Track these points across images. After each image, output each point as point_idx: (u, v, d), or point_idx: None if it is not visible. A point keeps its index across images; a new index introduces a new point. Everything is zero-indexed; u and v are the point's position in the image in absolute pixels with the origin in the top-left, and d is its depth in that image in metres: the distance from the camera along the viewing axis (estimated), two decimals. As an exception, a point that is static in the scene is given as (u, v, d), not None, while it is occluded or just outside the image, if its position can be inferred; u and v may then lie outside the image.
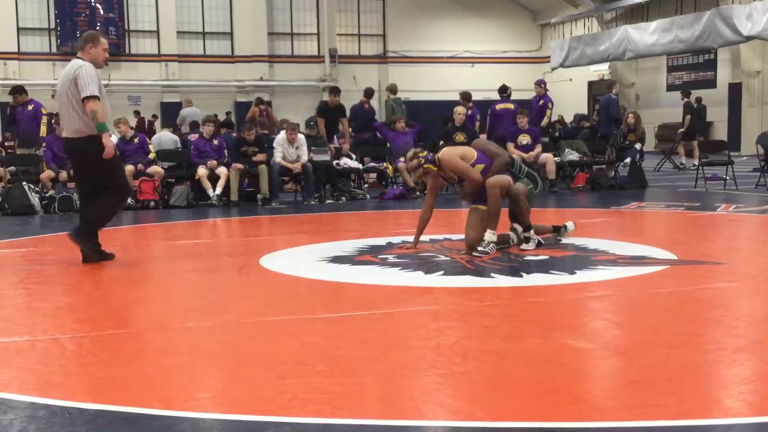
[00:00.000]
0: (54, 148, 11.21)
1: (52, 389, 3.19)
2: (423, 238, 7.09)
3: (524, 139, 12.30)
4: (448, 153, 6.62)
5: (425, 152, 6.71)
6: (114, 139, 11.99)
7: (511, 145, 12.22)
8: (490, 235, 6.33)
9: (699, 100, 19.58)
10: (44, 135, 11.79)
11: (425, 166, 6.59)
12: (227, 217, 10.28)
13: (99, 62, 6.31)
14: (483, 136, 11.67)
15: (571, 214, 9.74)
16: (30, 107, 12.21)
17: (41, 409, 2.95)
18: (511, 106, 13.24)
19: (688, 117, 17.19)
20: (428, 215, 6.75)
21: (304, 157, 11.49)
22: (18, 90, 12.41)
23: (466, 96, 13.67)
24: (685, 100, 17.67)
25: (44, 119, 12.26)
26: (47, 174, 11.06)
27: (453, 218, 9.79)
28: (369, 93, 13.97)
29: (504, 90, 13.70)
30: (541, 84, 13.86)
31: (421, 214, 6.77)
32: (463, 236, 6.91)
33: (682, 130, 17.63)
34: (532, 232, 6.61)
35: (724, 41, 20.44)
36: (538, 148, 12.34)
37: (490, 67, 27.07)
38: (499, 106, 13.33)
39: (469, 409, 2.90)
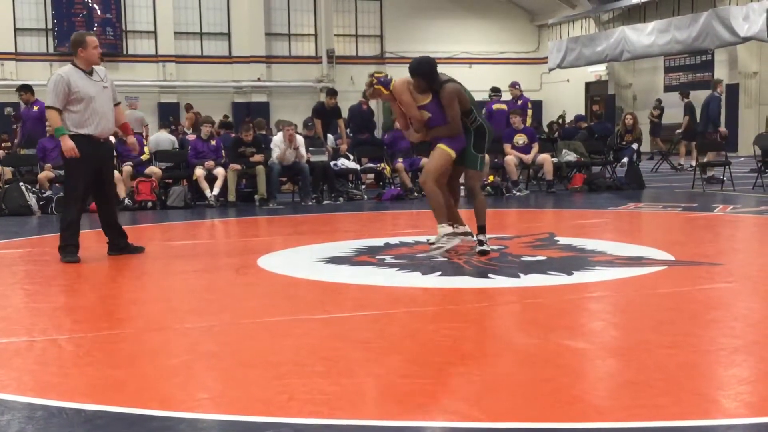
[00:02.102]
0: (47, 147, 11.23)
1: (49, 390, 3.18)
2: (421, 239, 7.10)
3: (521, 138, 12.33)
4: (401, 83, 6.41)
5: (383, 74, 6.59)
6: (111, 139, 12.01)
7: (507, 146, 12.25)
8: (441, 229, 6.23)
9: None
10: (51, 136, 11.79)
11: (376, 86, 6.45)
12: (225, 217, 10.28)
13: (94, 61, 6.56)
14: None
15: (569, 214, 9.75)
16: (35, 108, 12.21)
17: (39, 409, 2.94)
18: (504, 106, 13.30)
19: (687, 117, 17.20)
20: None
21: (304, 154, 11.52)
22: (24, 88, 12.40)
23: None
24: (686, 100, 17.68)
25: None
26: (45, 174, 11.05)
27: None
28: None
29: (498, 90, 13.79)
30: (516, 86, 13.88)
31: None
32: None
33: (679, 131, 17.66)
34: (485, 236, 6.33)
35: (721, 42, 20.46)
36: (536, 147, 12.36)
37: (488, 68, 27.05)
38: (495, 107, 13.39)
39: (466, 409, 2.90)
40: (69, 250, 6.48)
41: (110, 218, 6.78)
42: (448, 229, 6.22)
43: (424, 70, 6.32)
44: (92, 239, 8.47)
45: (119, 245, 6.77)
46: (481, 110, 6.76)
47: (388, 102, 14.53)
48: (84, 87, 6.43)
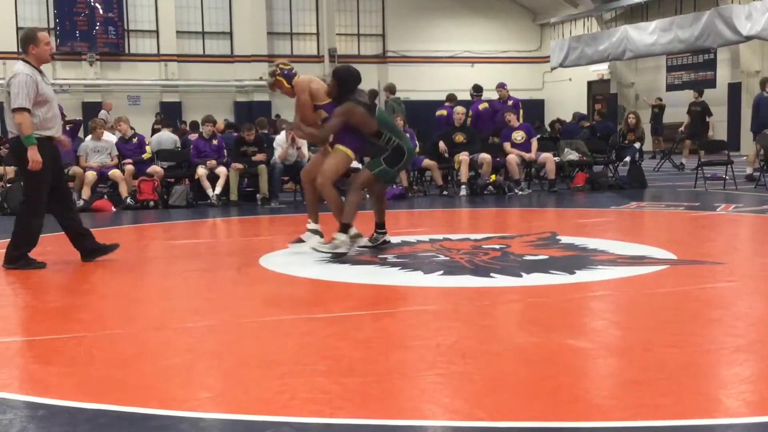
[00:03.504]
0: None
1: (51, 389, 3.18)
2: (423, 238, 7.10)
3: (518, 134, 12.33)
4: (303, 81, 6.41)
5: (290, 66, 6.54)
6: (114, 138, 12.06)
7: (507, 145, 12.25)
8: (338, 235, 6.13)
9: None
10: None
11: (278, 77, 6.46)
12: (227, 216, 10.28)
13: (45, 58, 6.22)
14: None
15: (571, 214, 9.74)
16: None
17: (40, 408, 2.94)
18: (488, 105, 13.28)
19: (710, 120, 17.17)
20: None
21: (306, 153, 11.53)
22: None
23: (451, 98, 13.79)
24: (699, 99, 17.63)
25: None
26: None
27: (452, 218, 9.80)
28: (373, 94, 14.02)
29: (480, 89, 13.75)
30: (503, 86, 13.86)
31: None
32: (461, 236, 6.92)
33: (681, 129, 17.65)
34: (351, 232, 6.18)
35: (724, 41, 20.44)
36: (534, 143, 12.35)
37: (490, 67, 27.06)
38: (481, 106, 13.36)
39: (468, 408, 2.90)
40: (31, 259, 6.11)
41: (71, 221, 6.33)
42: (352, 231, 6.19)
43: (349, 82, 6.27)
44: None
45: (88, 248, 6.33)
46: (404, 134, 6.52)
47: (395, 101, 14.34)
48: (45, 88, 6.08)
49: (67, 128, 12.02)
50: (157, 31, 25.24)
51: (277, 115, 17.75)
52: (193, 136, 13.00)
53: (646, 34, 22.63)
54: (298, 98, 6.45)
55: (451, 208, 10.63)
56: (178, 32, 25.42)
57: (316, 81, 6.46)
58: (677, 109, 21.28)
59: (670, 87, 24.95)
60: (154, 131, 17.20)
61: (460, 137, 12.26)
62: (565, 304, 4.65)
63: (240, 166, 11.41)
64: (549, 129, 18.99)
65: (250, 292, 5.24)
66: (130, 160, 11.41)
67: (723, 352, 3.58)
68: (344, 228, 6.18)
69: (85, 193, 10.88)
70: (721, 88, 23.15)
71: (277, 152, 11.51)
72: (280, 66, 6.51)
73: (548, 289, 5.01)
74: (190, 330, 4.15)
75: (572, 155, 12.97)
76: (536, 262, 5.93)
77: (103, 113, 18.02)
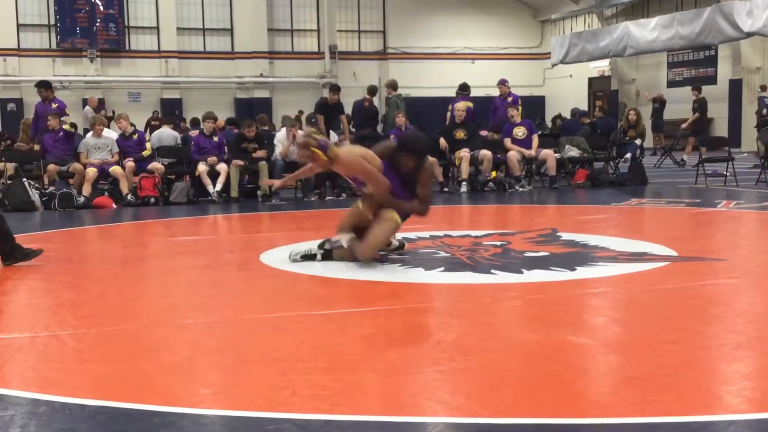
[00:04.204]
0: (48, 143, 11.28)
1: (52, 385, 3.18)
2: (423, 234, 7.09)
3: (520, 130, 12.33)
4: (349, 152, 5.83)
5: (322, 136, 5.94)
6: (114, 134, 12.06)
7: (508, 141, 12.25)
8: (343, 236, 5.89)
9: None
10: None
11: (314, 149, 5.63)
12: (227, 213, 10.28)
13: None
14: None
15: (572, 210, 9.74)
16: (54, 105, 12.20)
17: (42, 405, 2.94)
18: (470, 104, 13.24)
19: (697, 114, 17.19)
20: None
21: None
22: (45, 85, 12.37)
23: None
24: (699, 96, 17.63)
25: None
26: (53, 167, 11.08)
27: (452, 215, 9.79)
28: (372, 91, 14.02)
29: (465, 88, 13.71)
30: (505, 83, 13.83)
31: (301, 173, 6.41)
32: (462, 233, 6.92)
33: (684, 126, 17.67)
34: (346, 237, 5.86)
35: (725, 37, 20.43)
36: (535, 139, 12.35)
37: (491, 64, 27.05)
38: (463, 104, 13.32)
39: (469, 405, 2.90)
40: (26, 249, 6.02)
41: None
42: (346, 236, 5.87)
43: (421, 150, 5.85)
44: (94, 235, 8.49)
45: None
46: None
47: (397, 98, 14.25)
48: None
49: (70, 129, 12.01)
50: (157, 28, 25.23)
51: (300, 111, 17.80)
52: (194, 133, 12.99)
53: (647, 30, 22.62)
54: (357, 170, 5.77)
55: (451, 204, 10.63)
56: (178, 29, 25.42)
57: (366, 153, 5.85)
58: (678, 105, 21.30)
59: (671, 83, 24.94)
60: (153, 128, 17.20)
61: (460, 134, 12.27)
62: (565, 300, 4.65)
63: (241, 162, 11.41)
64: (550, 125, 19.00)
65: (251, 289, 5.24)
66: (131, 158, 11.41)
67: (724, 348, 3.58)
68: (328, 254, 5.92)
69: (86, 189, 10.88)
70: (721, 84, 23.15)
71: (278, 149, 11.51)
72: (314, 136, 5.77)
73: (549, 285, 5.01)
74: (191, 327, 4.15)
75: (573, 152, 12.97)
76: (537, 258, 5.93)
77: (87, 109, 18.00)
